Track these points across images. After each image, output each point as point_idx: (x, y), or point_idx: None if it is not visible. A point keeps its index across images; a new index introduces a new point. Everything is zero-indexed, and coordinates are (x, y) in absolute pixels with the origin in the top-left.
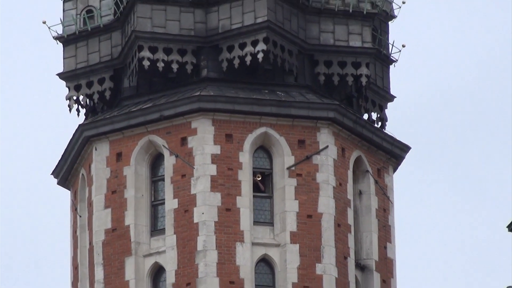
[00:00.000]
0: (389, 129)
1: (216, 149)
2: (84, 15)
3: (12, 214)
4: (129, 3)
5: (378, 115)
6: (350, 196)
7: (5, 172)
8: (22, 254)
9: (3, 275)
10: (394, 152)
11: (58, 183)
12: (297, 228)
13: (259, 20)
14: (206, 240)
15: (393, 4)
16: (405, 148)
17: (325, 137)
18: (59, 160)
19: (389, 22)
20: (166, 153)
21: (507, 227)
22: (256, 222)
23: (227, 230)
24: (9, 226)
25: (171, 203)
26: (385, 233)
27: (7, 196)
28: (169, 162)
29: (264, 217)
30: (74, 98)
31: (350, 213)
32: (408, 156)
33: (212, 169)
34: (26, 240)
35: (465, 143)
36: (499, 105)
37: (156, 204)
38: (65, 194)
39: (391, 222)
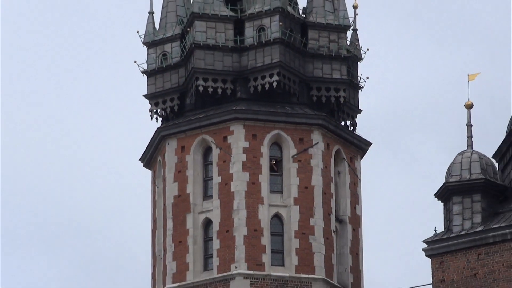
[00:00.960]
0: (358, 131)
1: (246, 144)
2: (161, 57)
3: (113, 186)
4: (190, 50)
5: (351, 122)
6: (332, 174)
7: (112, 159)
8: (116, 212)
9: (104, 224)
10: (361, 146)
11: (143, 166)
12: (298, 195)
13: (274, 61)
14: (239, 203)
15: (361, 50)
16: (368, 143)
17: (316, 137)
18: (144, 151)
19: (358, 62)
20: (213, 147)
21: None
22: (271, 191)
23: (253, 196)
24: (111, 194)
25: (216, 179)
26: (355, 199)
27: (111, 173)
28: (215, 152)
29: (277, 188)
30: (154, 110)
31: (332, 185)
32: (370, 148)
33: (243, 157)
34: (121, 203)
35: (412, 141)
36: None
37: (206, 180)
38: (148, 173)
39: (359, 192)
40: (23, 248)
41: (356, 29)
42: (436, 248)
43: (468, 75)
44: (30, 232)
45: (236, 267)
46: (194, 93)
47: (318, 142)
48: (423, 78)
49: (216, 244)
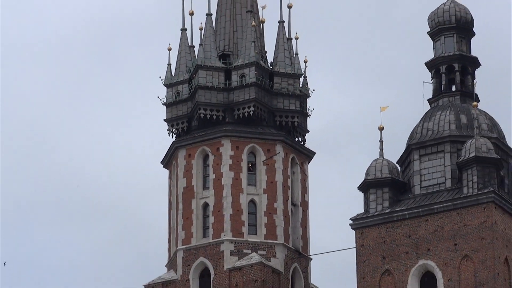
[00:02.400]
0: (307, 144)
1: (232, 153)
2: (175, 94)
3: (143, 180)
4: (195, 89)
5: (302, 138)
6: (289, 173)
7: (142, 162)
8: (144, 197)
9: (135, 206)
10: (308, 154)
11: (163, 167)
12: (266, 187)
13: (251, 97)
14: (227, 192)
15: (309, 90)
16: (313, 153)
17: (278, 148)
18: (164, 156)
19: (307, 98)
20: (210, 154)
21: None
22: (248, 184)
23: (236, 188)
24: (141, 185)
25: (212, 176)
26: (304, 190)
27: (142, 171)
28: (211, 158)
29: (252, 182)
30: (171, 130)
31: (289, 181)
32: (315, 156)
33: (230, 161)
34: (147, 191)
35: (344, 151)
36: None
37: (205, 176)
38: (166, 172)
39: (307, 185)
40: (67, 224)
41: (306, 76)
42: (358, 224)
43: (381, 107)
44: (76, 211)
45: (224, 235)
46: (197, 118)
47: (280, 152)
48: (351, 108)
49: (211, 219)
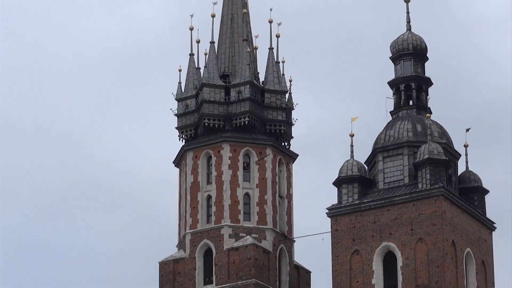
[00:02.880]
0: (291, 148)
1: (230, 154)
2: (185, 107)
3: (158, 177)
4: (200, 103)
5: (287, 143)
6: (277, 171)
7: (158, 162)
8: (159, 191)
9: (151, 197)
10: (293, 156)
11: (175, 166)
12: (258, 182)
13: (246, 110)
14: (226, 186)
15: (293, 104)
16: (296, 155)
17: (268, 151)
18: (175, 157)
19: (292, 110)
20: (213, 156)
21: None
22: (244, 180)
23: (233, 183)
24: (157, 182)
25: (214, 173)
26: (289, 185)
27: (158, 170)
28: (213, 159)
29: (246, 178)
30: (181, 136)
31: (277, 178)
32: (298, 158)
33: (229, 161)
34: (162, 186)
35: (323, 153)
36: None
37: (208, 173)
38: (177, 170)
39: (291, 181)
40: (96, 211)
41: (291, 93)
42: (333, 212)
43: (351, 118)
44: (103, 201)
45: (224, 221)
46: (202, 126)
47: (269, 154)
48: (328, 118)
49: (213, 208)
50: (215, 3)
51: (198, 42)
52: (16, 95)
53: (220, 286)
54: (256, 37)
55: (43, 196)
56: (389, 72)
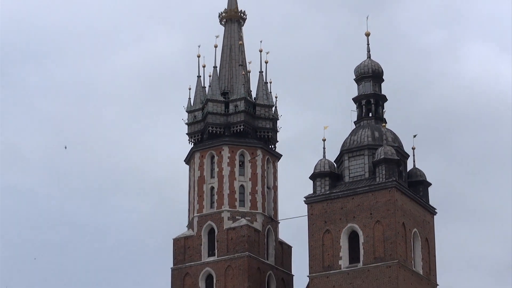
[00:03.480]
0: (277, 150)
1: (229, 155)
2: (193, 117)
3: (171, 173)
4: (205, 114)
5: (273, 146)
6: (265, 168)
7: (172, 161)
8: (172, 185)
9: (166, 188)
10: (278, 156)
11: (186, 163)
12: (251, 176)
13: (241, 120)
14: (225, 179)
15: (279, 115)
16: (280, 155)
17: (259, 152)
18: (186, 157)
19: (277, 120)
20: (215, 156)
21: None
22: (239, 175)
23: (231, 177)
24: (172, 177)
25: (215, 169)
26: (275, 178)
27: (172, 167)
28: (215, 158)
29: (242, 173)
30: (190, 140)
31: (265, 173)
32: (282, 158)
33: (228, 160)
34: (174, 181)
35: (301, 154)
36: None
37: (212, 169)
38: (187, 167)
39: (277, 176)
40: (123, 198)
41: (276, 106)
42: (309, 200)
43: (324, 126)
44: (130, 189)
45: (224, 207)
46: (207, 133)
47: (259, 154)
48: (305, 127)
49: (215, 197)
50: (217, 36)
51: (204, 66)
52: (70, 110)
53: (220, 258)
54: (249, 63)
55: (92, 186)
56: (353, 90)
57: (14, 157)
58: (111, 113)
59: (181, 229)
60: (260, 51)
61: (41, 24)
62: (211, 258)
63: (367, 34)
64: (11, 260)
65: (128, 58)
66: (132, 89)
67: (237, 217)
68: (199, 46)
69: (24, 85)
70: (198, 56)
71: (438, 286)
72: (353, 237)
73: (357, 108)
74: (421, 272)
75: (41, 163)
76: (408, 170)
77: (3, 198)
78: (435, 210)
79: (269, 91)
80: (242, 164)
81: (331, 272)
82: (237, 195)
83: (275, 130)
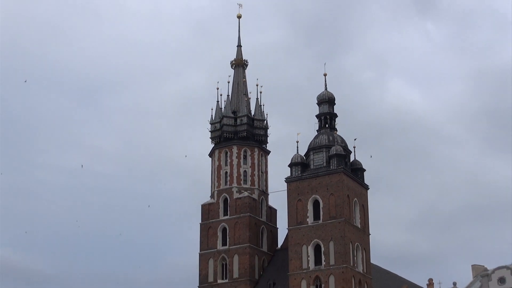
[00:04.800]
0: (268, 148)
1: (237, 154)
2: (214, 127)
3: (200, 164)
4: (222, 125)
5: (265, 146)
6: (260, 159)
7: (200, 155)
8: (200, 170)
9: (194, 173)
10: (268, 152)
11: (209, 156)
12: (251, 165)
13: (244, 129)
14: (234, 168)
15: (269, 125)
16: (269, 151)
17: (256, 150)
18: (209, 152)
19: (268, 129)
20: (228, 153)
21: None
22: (243, 164)
23: (238, 166)
24: (199, 166)
25: (228, 161)
26: (265, 166)
27: (199, 159)
28: (228, 154)
29: (245, 163)
30: (212, 141)
31: (260, 162)
32: (270, 154)
33: (236, 155)
34: (202, 168)
35: (283, 151)
36: None
37: (226, 161)
38: (209, 159)
39: (267, 165)
40: (167, 181)
41: (267, 120)
42: (288, 180)
43: (297, 133)
44: (174, 176)
45: (234, 185)
46: (223, 137)
47: (256, 151)
48: (286, 133)
49: (228, 178)
50: (229, 75)
51: (221, 95)
52: (135, 123)
53: (231, 217)
54: (250, 93)
55: (152, 171)
56: (316, 110)
57: (97, 156)
58: (162, 125)
59: (206, 198)
60: (257, 85)
61: (114, 62)
62: (226, 217)
63: (325, 74)
64: None
65: (172, 88)
66: (174, 109)
67: (242, 191)
68: (217, 82)
69: (103, 106)
70: (217, 88)
71: (370, 235)
72: (316, 204)
73: (318, 121)
74: (359, 226)
75: (118, 158)
76: (351, 161)
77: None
78: (368, 186)
79: (262, 110)
80: (245, 157)
81: (302, 226)
82: (241, 177)
83: (266, 136)
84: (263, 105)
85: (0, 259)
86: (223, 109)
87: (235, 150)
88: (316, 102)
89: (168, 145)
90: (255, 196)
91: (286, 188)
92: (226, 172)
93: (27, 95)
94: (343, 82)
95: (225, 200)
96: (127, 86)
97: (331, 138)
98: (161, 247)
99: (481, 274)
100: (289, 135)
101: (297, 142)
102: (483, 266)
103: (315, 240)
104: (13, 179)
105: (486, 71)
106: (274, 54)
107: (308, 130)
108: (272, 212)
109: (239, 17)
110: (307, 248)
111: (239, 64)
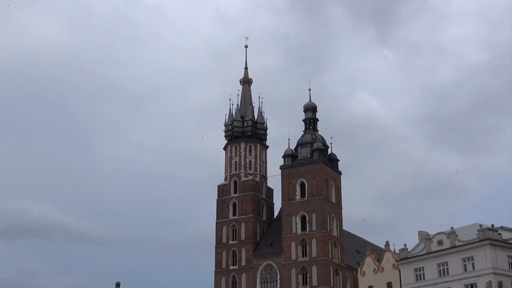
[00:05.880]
0: (267, 143)
1: (244, 148)
2: (227, 128)
3: (218, 155)
4: (232, 127)
5: (265, 142)
6: (261, 152)
7: (216, 148)
8: (216, 159)
9: (210, 161)
10: (267, 146)
11: (223, 150)
12: (254, 157)
13: (250, 129)
14: (242, 158)
15: (268, 128)
16: (268, 146)
17: (258, 145)
18: (224, 146)
19: (267, 130)
20: (237, 147)
21: None
22: (249, 155)
23: (245, 157)
24: (216, 156)
25: (238, 153)
26: (265, 157)
27: (216, 151)
28: (237, 148)
29: (250, 154)
30: (226, 139)
31: (261, 154)
32: (269, 148)
33: (243, 148)
34: (218, 159)
35: (278, 146)
36: None
37: (236, 153)
38: (223, 152)
39: (267, 156)
40: (192, 169)
41: (266, 123)
42: (282, 167)
43: (289, 133)
44: (189, 164)
45: (242, 171)
46: (233, 136)
47: (258, 146)
48: (280, 134)
49: (237, 166)
50: (239, 90)
51: (232, 104)
52: (172, 129)
53: (240, 194)
54: (254, 103)
55: (173, 161)
56: (303, 116)
57: (141, 149)
58: (189, 126)
59: (221, 181)
60: (259, 97)
61: (154, 80)
62: (235, 195)
63: (309, 89)
64: None
65: (196, 99)
66: (198, 114)
67: (247, 175)
68: (230, 95)
69: (146, 112)
70: (229, 99)
71: (342, 208)
72: (302, 185)
73: (304, 124)
74: (334, 202)
75: (156, 151)
76: (328, 153)
77: None
78: (341, 172)
79: (263, 116)
80: (250, 151)
81: (292, 201)
82: (247, 165)
83: (265, 134)
84: (264, 112)
85: (72, 227)
86: (234, 115)
87: (242, 145)
88: (303, 109)
89: (193, 141)
90: (257, 179)
91: (280, 174)
92: (236, 162)
93: (90, 104)
94: (323, 95)
95: (235, 182)
96: (163, 97)
97: (313, 136)
98: (188, 217)
99: (424, 238)
100: (282, 134)
101: (289, 139)
102: (426, 232)
103: (301, 212)
104: (80, 166)
105: (428, 87)
106: (271, 74)
107: (297, 130)
108: (270, 191)
109: (246, 47)
110: (296, 218)
111: (246, 82)
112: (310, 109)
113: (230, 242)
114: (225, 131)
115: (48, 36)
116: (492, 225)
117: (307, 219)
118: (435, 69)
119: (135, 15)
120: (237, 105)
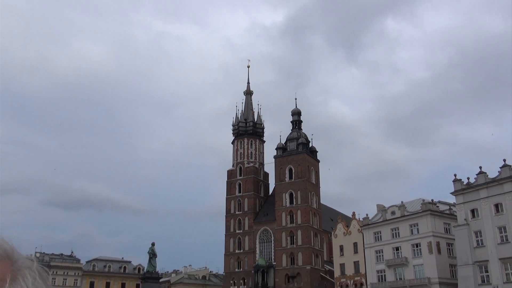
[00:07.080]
0: (264, 139)
1: (247, 142)
2: (234, 127)
3: (226, 149)
4: (239, 127)
5: (263, 139)
6: (260, 146)
7: (224, 143)
8: (224, 151)
9: (221, 154)
10: (264, 141)
11: (231, 143)
12: (255, 148)
13: (251, 129)
14: (247, 149)
15: (264, 129)
16: (264, 141)
17: (259, 141)
18: (232, 141)
19: (264, 128)
20: (242, 141)
21: None
22: (250, 148)
23: (248, 150)
24: (224, 150)
25: (244, 147)
26: (263, 149)
27: (226, 145)
28: (242, 143)
29: (251, 148)
30: (234, 135)
31: (260, 147)
32: (265, 143)
33: (247, 144)
34: (226, 153)
35: (272, 141)
36: None
37: (242, 147)
38: (231, 146)
39: (264, 148)
40: (205, 160)
41: (263, 124)
42: (276, 157)
43: (280, 131)
44: (204, 155)
45: (245, 159)
46: (239, 133)
47: (257, 141)
48: (275, 133)
49: (243, 155)
50: (243, 99)
51: (238, 110)
52: (183, 131)
53: (244, 177)
54: (254, 109)
55: (194, 153)
56: (290, 118)
57: (168, 144)
58: (206, 126)
59: (230, 167)
60: (258, 104)
61: (178, 90)
62: (240, 177)
63: (295, 98)
64: None
65: (211, 106)
66: (213, 118)
67: (249, 163)
68: (236, 103)
69: (171, 115)
70: (236, 106)
71: (320, 187)
72: (290, 170)
73: (292, 124)
74: (314, 182)
75: (180, 145)
76: (309, 146)
77: None
78: (319, 160)
79: (261, 118)
80: (251, 144)
81: (282, 182)
82: (249, 155)
83: (263, 132)
84: (262, 115)
85: (119, 201)
86: (239, 118)
87: (246, 140)
88: (291, 113)
89: (209, 137)
90: (257, 165)
91: (274, 161)
92: (241, 153)
93: (131, 109)
94: (305, 103)
95: (240, 168)
96: (186, 105)
97: (299, 134)
98: (205, 194)
99: (381, 209)
100: (275, 132)
101: (280, 136)
102: (383, 205)
103: (289, 190)
104: (124, 156)
105: (384, 96)
106: (267, 87)
107: (286, 129)
108: (266, 175)
109: (248, 66)
110: (285, 194)
111: (248, 93)
112: (296, 113)
113: (237, 212)
114: (232, 130)
115: (98, 58)
116: (432, 200)
117: (293, 195)
118: (390, 83)
119: (165, 42)
120: (242, 110)
